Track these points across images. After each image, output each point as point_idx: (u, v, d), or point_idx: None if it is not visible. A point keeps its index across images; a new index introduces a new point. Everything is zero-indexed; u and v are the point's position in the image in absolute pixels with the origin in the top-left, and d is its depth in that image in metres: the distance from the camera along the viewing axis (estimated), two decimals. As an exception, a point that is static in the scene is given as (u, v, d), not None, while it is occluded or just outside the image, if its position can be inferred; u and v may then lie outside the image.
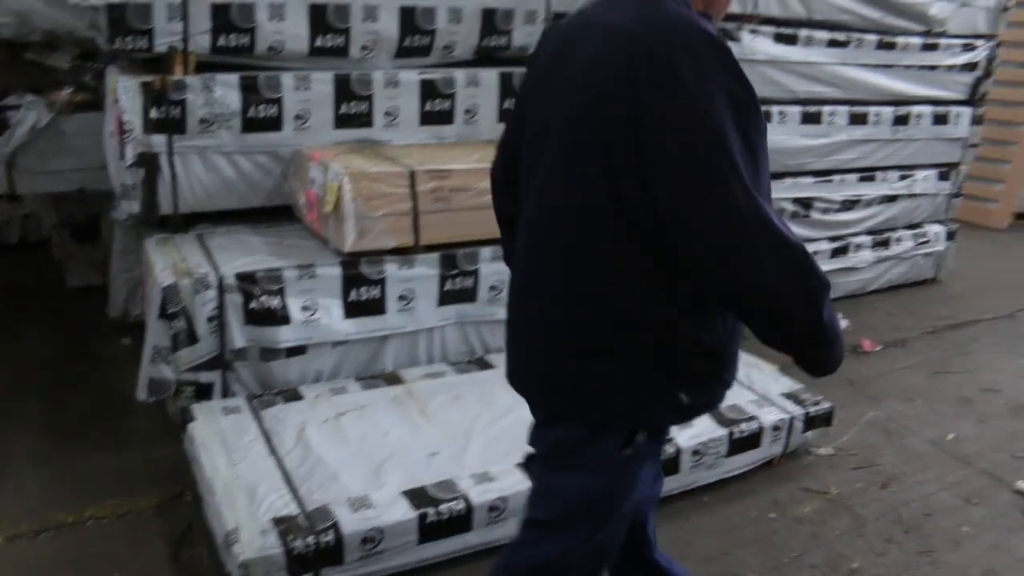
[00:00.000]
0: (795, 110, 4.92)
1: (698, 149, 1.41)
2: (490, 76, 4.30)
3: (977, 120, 5.88)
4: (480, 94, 4.30)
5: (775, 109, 4.83)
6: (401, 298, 3.70)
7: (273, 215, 4.09)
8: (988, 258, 7.06)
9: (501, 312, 3.89)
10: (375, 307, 3.66)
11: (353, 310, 3.62)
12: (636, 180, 1.48)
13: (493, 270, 3.82)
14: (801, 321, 1.52)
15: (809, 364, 1.64)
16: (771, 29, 4.67)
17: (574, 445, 1.73)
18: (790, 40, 4.74)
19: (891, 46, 5.22)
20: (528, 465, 1.95)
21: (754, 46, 4.62)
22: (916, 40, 5.34)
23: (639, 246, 1.54)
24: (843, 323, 4.84)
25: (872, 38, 5.12)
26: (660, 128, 1.43)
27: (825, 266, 5.41)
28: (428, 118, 4.19)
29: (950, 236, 6.11)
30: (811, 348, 1.59)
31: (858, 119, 5.20)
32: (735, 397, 3.56)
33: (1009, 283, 6.42)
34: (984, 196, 8.20)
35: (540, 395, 1.79)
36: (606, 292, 1.60)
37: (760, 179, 1.47)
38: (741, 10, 4.54)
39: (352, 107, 4.02)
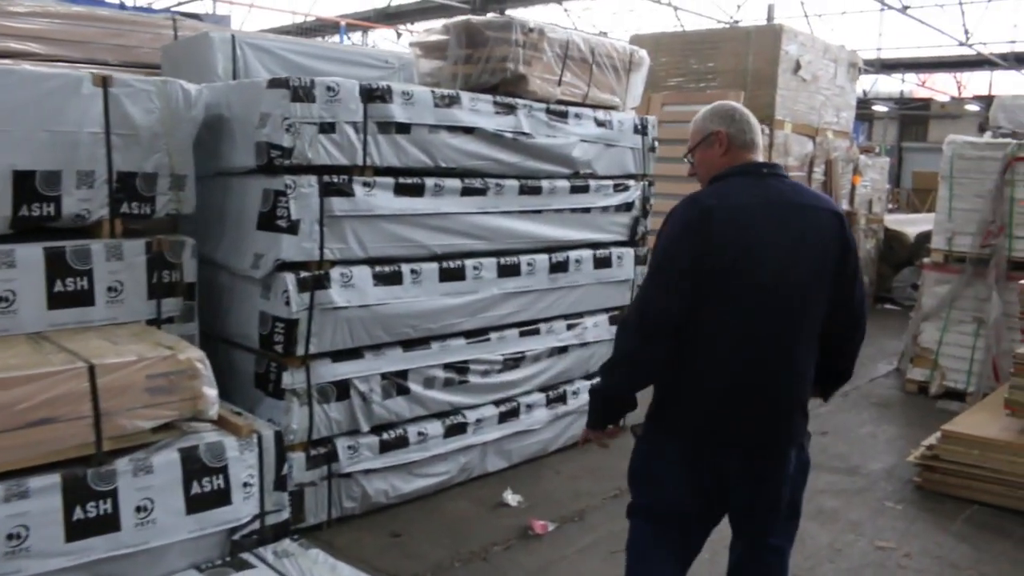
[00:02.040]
0: (432, 267, 4.38)
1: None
2: (32, 253, 3.46)
3: (642, 260, 5.65)
4: (19, 276, 3.44)
5: (406, 268, 4.26)
6: None
7: None
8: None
9: (29, 566, 2.95)
10: None
11: None
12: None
13: (6, 514, 2.88)
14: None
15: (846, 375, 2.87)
16: (390, 180, 4.14)
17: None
18: (415, 191, 4.23)
19: (536, 190, 4.87)
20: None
21: (371, 201, 4.06)
22: (563, 183, 5.03)
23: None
24: (515, 499, 4.13)
25: (513, 183, 4.74)
26: (851, 256, 2.63)
27: (494, 433, 4.89)
28: (-59, 313, 3.25)
29: (632, 380, 5.79)
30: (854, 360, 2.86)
31: (509, 270, 4.76)
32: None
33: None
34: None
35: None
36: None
37: None
38: (349, 161, 3.98)
39: None
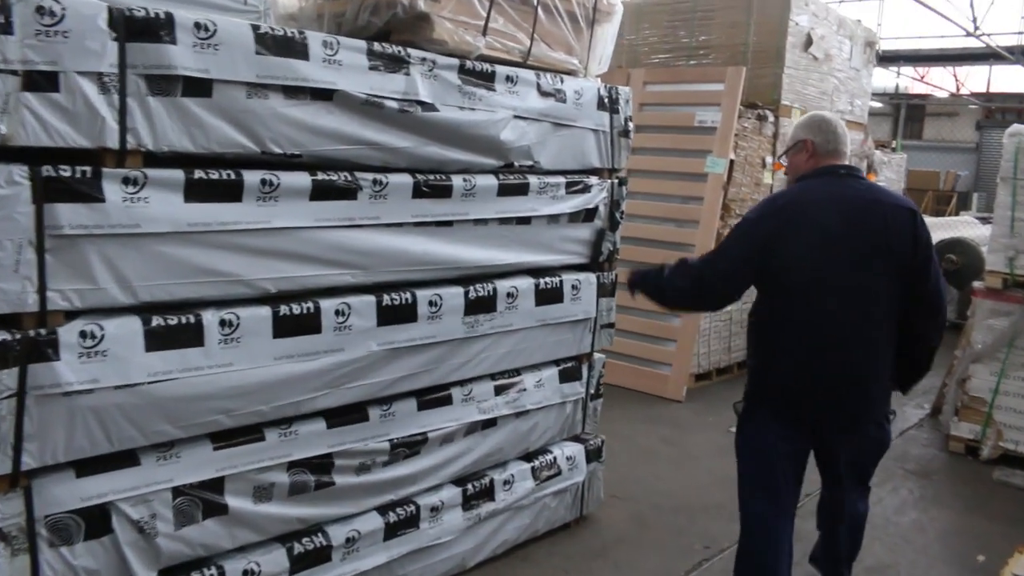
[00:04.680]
0: (260, 314, 2.73)
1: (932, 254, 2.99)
2: None
3: (608, 291, 4.02)
4: None
5: (211, 318, 2.61)
6: None
7: None
8: (659, 458, 5.23)
9: None
10: None
11: None
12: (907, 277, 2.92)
13: None
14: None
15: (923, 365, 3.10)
16: (176, 175, 2.49)
17: None
18: (225, 192, 2.58)
19: (443, 191, 3.22)
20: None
21: (138, 210, 2.41)
22: (487, 180, 3.39)
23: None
24: None
25: (404, 180, 3.09)
26: (921, 247, 2.90)
27: (379, 555, 3.25)
28: None
29: (594, 455, 4.17)
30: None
31: (398, 313, 3.12)
32: None
33: (684, 501, 4.57)
34: (655, 359, 6.57)
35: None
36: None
37: None
38: (93, 143, 2.33)
39: None
